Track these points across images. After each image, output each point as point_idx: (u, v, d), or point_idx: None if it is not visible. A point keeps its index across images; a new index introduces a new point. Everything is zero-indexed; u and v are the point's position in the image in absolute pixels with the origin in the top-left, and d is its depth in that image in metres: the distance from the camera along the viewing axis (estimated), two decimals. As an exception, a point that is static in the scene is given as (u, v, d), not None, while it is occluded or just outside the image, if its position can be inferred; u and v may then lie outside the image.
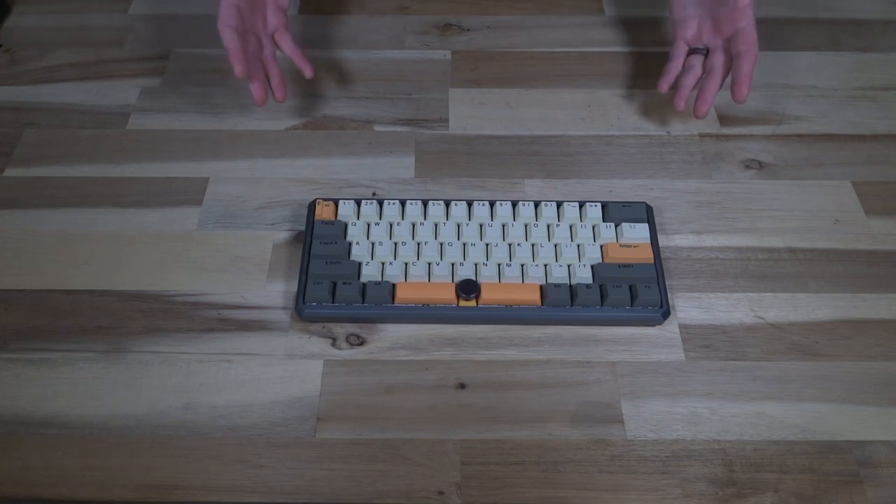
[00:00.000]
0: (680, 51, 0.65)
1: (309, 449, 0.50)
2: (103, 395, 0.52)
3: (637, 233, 0.58)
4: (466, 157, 0.66)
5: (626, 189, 0.64)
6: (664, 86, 0.64)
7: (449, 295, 0.55)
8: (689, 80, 0.64)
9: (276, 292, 0.57)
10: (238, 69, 0.58)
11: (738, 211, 0.63)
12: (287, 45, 0.64)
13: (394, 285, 0.55)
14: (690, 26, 0.65)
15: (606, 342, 0.55)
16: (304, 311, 0.54)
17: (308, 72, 0.65)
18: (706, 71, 0.64)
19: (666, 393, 0.52)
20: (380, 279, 0.56)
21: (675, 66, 0.65)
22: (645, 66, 0.74)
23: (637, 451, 0.50)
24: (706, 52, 0.65)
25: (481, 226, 0.58)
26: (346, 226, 0.58)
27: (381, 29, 0.78)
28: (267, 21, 0.63)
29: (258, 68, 0.61)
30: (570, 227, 0.58)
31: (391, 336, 0.55)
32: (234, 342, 0.54)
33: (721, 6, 0.62)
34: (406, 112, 0.70)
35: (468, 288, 0.55)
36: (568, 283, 0.56)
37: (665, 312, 0.55)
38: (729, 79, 0.63)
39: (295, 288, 0.57)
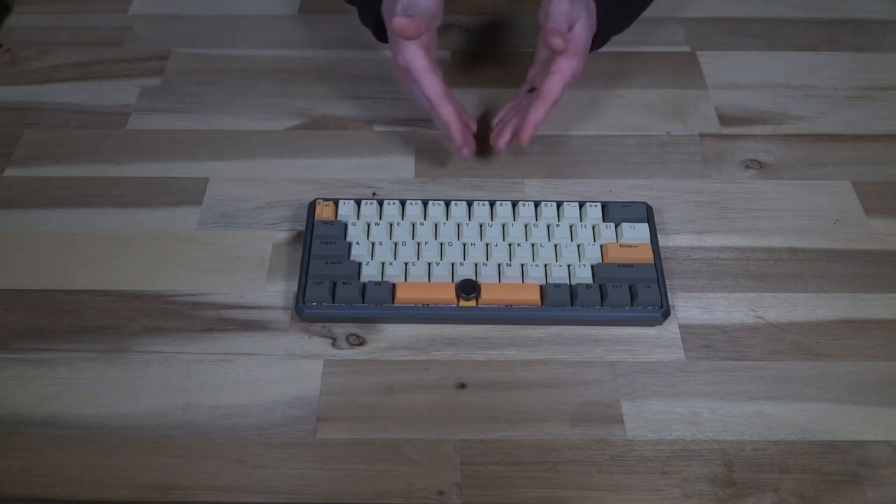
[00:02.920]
0: (523, 89, 0.64)
1: (309, 449, 0.50)
2: (103, 395, 0.52)
3: (637, 233, 0.58)
4: (466, 157, 0.66)
5: (626, 189, 0.64)
6: (494, 120, 0.64)
7: (449, 295, 0.55)
8: (508, 116, 0.63)
9: (276, 292, 0.57)
10: (460, 142, 0.58)
11: (738, 211, 0.63)
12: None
13: (394, 285, 0.55)
14: (535, 68, 0.63)
15: (606, 342, 0.55)
16: (304, 311, 0.54)
17: (474, 126, 0.63)
18: (521, 108, 0.62)
19: (666, 393, 0.52)
20: (380, 279, 0.56)
21: (511, 103, 0.65)
22: (645, 66, 0.74)
23: (637, 451, 0.50)
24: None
25: (481, 226, 0.58)
26: (346, 226, 0.58)
27: (381, 29, 0.78)
28: None
29: (468, 131, 0.61)
30: (570, 227, 0.58)
31: (391, 336, 0.55)
32: (234, 342, 0.54)
33: (552, 53, 0.59)
34: (406, 112, 0.70)
35: (468, 288, 0.55)
36: (568, 283, 0.56)
37: (665, 312, 0.55)
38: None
39: (295, 288, 0.57)
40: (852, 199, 0.63)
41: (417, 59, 0.56)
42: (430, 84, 0.56)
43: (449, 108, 0.57)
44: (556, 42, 0.54)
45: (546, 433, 0.51)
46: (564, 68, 0.57)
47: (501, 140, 0.61)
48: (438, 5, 0.57)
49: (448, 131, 0.58)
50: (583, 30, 0.58)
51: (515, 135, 0.60)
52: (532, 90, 0.63)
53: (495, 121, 0.64)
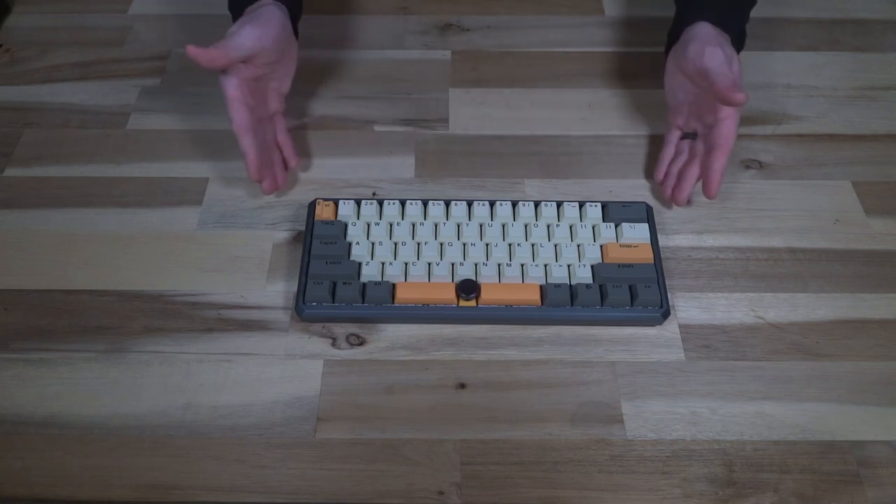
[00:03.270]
0: (673, 136, 0.63)
1: (309, 449, 0.50)
2: (103, 395, 0.52)
3: (637, 233, 0.58)
4: (466, 157, 0.66)
5: (626, 189, 0.64)
6: (659, 175, 0.63)
7: (449, 295, 0.55)
8: (676, 167, 0.62)
9: (276, 292, 0.57)
10: (254, 175, 0.58)
11: (738, 211, 0.63)
12: (281, 132, 0.63)
13: (394, 285, 0.55)
14: (681, 112, 0.62)
15: (606, 342, 0.55)
16: (304, 311, 0.54)
17: (293, 163, 0.63)
18: (690, 156, 0.62)
19: (666, 393, 0.52)
20: (380, 279, 0.56)
21: (667, 153, 0.63)
22: (645, 65, 0.74)
23: (637, 451, 0.50)
24: (696, 136, 0.62)
25: (481, 226, 0.58)
26: (346, 226, 0.58)
27: (381, 29, 0.78)
28: (268, 107, 0.62)
29: (270, 167, 0.60)
30: (570, 227, 0.58)
31: (391, 336, 0.55)
32: (234, 342, 0.54)
33: (732, 106, 0.57)
34: (406, 112, 0.70)
35: (468, 288, 0.55)
36: (568, 283, 0.56)
37: (665, 312, 0.55)
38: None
39: (295, 288, 0.57)
40: (852, 199, 0.63)
41: (229, 87, 0.56)
42: (236, 113, 0.57)
43: (248, 139, 0.57)
44: (740, 98, 0.53)
45: (546, 433, 0.51)
46: (732, 112, 0.56)
47: (683, 196, 0.60)
48: (257, 46, 0.56)
49: (245, 162, 0.57)
50: (738, 67, 0.57)
51: (679, 185, 0.61)
52: (688, 136, 0.63)
53: (660, 176, 0.63)
